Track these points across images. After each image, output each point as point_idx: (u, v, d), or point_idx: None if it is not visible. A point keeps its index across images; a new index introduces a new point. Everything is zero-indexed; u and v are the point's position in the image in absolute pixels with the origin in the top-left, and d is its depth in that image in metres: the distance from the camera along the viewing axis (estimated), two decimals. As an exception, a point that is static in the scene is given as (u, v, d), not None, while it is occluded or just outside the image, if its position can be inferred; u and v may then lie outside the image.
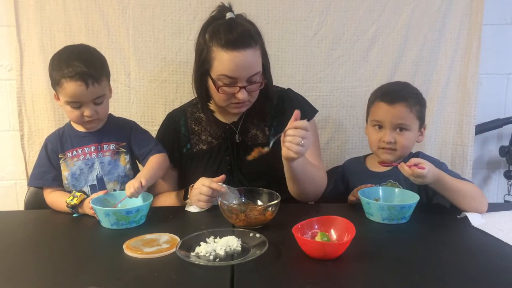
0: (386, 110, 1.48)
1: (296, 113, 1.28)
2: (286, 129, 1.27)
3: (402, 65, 1.92)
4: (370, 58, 1.91)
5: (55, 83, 1.39)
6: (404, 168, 1.30)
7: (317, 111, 1.60)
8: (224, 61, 1.38)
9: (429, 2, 1.87)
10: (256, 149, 1.33)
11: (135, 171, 1.52)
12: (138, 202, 1.34)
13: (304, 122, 1.26)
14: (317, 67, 1.91)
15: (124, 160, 1.50)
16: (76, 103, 1.39)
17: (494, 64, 1.98)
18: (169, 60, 1.88)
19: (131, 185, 1.32)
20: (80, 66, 1.36)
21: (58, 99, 1.43)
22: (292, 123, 1.27)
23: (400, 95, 1.49)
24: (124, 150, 1.50)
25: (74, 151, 1.48)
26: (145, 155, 1.50)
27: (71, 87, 1.36)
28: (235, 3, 1.51)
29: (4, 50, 1.87)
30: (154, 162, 1.48)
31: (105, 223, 1.29)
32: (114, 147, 1.49)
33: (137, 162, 1.57)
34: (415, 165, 1.29)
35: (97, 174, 1.47)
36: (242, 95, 1.41)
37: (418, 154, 1.53)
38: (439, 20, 1.88)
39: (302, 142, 1.25)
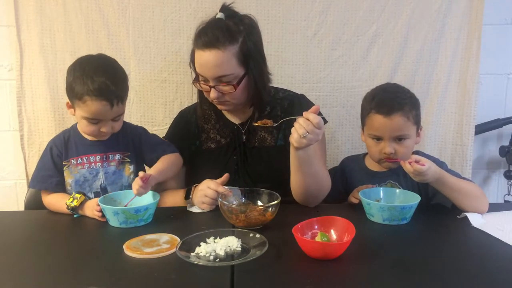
0: (383, 123, 1.43)
1: (316, 107, 1.30)
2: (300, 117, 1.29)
3: (402, 65, 1.92)
4: (370, 58, 1.91)
5: (75, 97, 1.35)
6: (406, 165, 1.30)
7: (327, 121, 1.60)
8: (196, 58, 1.45)
9: (429, 2, 1.87)
10: (265, 119, 1.39)
11: None
12: (145, 200, 1.35)
13: (317, 118, 1.26)
14: (317, 67, 1.91)
15: (128, 170, 1.49)
16: (95, 119, 1.37)
17: (494, 64, 1.99)
18: (169, 60, 1.88)
19: (135, 182, 1.32)
20: (107, 84, 1.32)
21: (71, 107, 1.40)
22: (306, 114, 1.28)
23: (395, 104, 1.43)
24: (129, 160, 1.50)
25: (79, 159, 1.46)
26: (158, 157, 1.50)
27: (95, 105, 1.33)
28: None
29: (4, 50, 1.88)
30: (165, 160, 1.49)
31: (114, 222, 1.29)
32: (120, 157, 1.49)
33: (145, 170, 1.55)
34: (416, 161, 1.29)
35: (101, 184, 1.47)
36: (212, 93, 1.45)
37: (417, 153, 1.52)
38: (439, 20, 1.88)
39: (306, 135, 1.26)
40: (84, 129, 1.41)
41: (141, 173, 1.34)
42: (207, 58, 1.40)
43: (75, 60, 1.42)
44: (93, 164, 1.47)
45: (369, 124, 1.49)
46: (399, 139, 1.45)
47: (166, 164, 1.48)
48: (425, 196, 1.49)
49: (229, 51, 1.40)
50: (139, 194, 1.32)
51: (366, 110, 1.50)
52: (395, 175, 1.52)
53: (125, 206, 1.33)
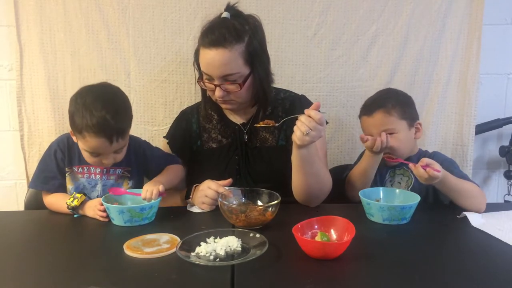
0: (368, 122, 1.54)
1: (317, 104, 1.30)
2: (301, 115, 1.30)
3: (402, 65, 1.92)
4: (370, 58, 1.91)
5: (76, 130, 1.33)
6: (419, 170, 1.31)
7: (327, 122, 1.60)
8: (201, 57, 1.45)
9: (429, 2, 1.87)
10: (266, 120, 1.40)
11: None
12: None
13: (318, 114, 1.27)
14: (317, 67, 1.91)
15: (126, 185, 1.49)
16: (95, 153, 1.36)
17: (494, 64, 1.98)
18: (169, 60, 1.88)
19: (150, 191, 1.33)
20: (106, 118, 1.28)
21: (74, 134, 1.38)
22: (308, 111, 1.28)
23: (376, 103, 1.54)
24: (129, 176, 1.49)
25: (80, 168, 1.46)
26: (162, 167, 1.51)
27: (94, 142, 1.31)
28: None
29: (4, 50, 1.87)
30: (171, 170, 1.51)
31: (118, 221, 1.29)
32: (120, 171, 1.48)
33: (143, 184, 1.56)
34: (427, 165, 1.30)
35: (98, 195, 1.46)
36: (217, 92, 1.46)
37: (433, 154, 1.54)
38: (439, 20, 1.88)
39: (308, 132, 1.27)
40: (86, 159, 1.40)
41: (161, 187, 1.34)
42: (214, 56, 1.40)
43: (78, 90, 1.38)
44: (92, 175, 1.46)
45: (362, 127, 1.59)
46: (389, 133, 1.49)
47: (172, 175, 1.50)
48: (433, 189, 1.51)
49: (235, 50, 1.40)
50: (146, 200, 1.33)
51: (359, 118, 1.61)
52: (407, 165, 1.53)
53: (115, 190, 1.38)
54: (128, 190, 1.43)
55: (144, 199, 1.32)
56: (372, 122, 1.52)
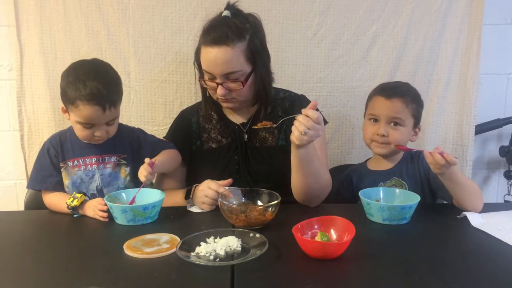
0: (383, 104, 1.51)
1: (314, 103, 1.30)
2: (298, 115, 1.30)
3: (402, 65, 1.92)
4: (370, 58, 1.91)
5: (69, 102, 1.35)
6: (436, 156, 1.27)
7: (327, 122, 1.60)
8: (202, 55, 1.45)
9: (429, 2, 1.87)
10: (264, 121, 1.40)
11: (135, 183, 1.50)
12: (151, 198, 1.36)
13: (316, 113, 1.27)
14: (317, 67, 1.91)
15: (124, 172, 1.49)
16: (88, 124, 1.37)
17: (494, 64, 1.99)
18: (169, 60, 1.88)
19: (143, 170, 1.34)
20: (98, 88, 1.32)
21: (66, 112, 1.40)
22: (305, 110, 1.28)
23: (398, 90, 1.53)
24: (125, 162, 1.50)
25: (76, 161, 1.46)
26: (157, 152, 1.51)
27: (87, 110, 1.33)
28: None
29: (4, 50, 1.88)
30: (165, 153, 1.51)
31: (121, 220, 1.29)
32: (116, 159, 1.49)
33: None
34: (442, 152, 1.28)
35: (97, 186, 1.47)
36: (219, 90, 1.45)
37: (420, 153, 1.53)
38: (439, 20, 1.88)
39: (306, 131, 1.26)
40: (78, 133, 1.42)
41: (147, 160, 1.36)
42: (216, 54, 1.40)
43: (68, 66, 1.41)
44: (89, 166, 1.46)
45: (370, 106, 1.57)
46: (395, 123, 1.50)
47: (166, 156, 1.50)
48: (429, 192, 1.50)
49: (237, 48, 1.41)
50: (148, 180, 1.35)
51: (370, 97, 1.59)
52: (398, 172, 1.53)
53: (131, 201, 1.37)
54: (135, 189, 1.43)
55: (146, 181, 1.34)
56: (387, 105, 1.50)
